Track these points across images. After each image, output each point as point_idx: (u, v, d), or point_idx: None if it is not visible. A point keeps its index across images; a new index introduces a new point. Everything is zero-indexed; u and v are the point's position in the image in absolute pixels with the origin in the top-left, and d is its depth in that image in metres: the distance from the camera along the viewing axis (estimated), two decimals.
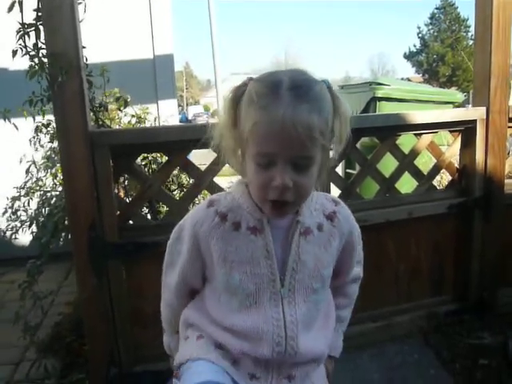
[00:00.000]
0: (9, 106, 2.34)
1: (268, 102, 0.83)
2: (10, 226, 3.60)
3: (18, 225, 3.45)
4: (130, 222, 2.06)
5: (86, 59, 1.97)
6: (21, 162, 3.14)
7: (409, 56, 41.67)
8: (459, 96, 5.05)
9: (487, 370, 2.13)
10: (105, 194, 1.87)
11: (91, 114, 2.23)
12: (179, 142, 1.92)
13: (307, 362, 0.99)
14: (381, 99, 4.49)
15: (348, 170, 4.60)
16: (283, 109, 0.81)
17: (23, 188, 3.12)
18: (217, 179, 2.00)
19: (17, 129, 2.61)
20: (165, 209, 2.56)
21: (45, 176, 3.29)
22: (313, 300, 0.99)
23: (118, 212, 1.97)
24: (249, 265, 0.94)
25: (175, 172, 2.71)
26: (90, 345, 2.01)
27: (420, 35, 40.95)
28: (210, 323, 0.99)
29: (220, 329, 0.98)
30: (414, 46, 41.56)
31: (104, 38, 3.52)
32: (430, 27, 40.58)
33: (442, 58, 37.97)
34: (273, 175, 0.84)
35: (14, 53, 1.87)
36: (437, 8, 40.41)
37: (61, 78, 1.69)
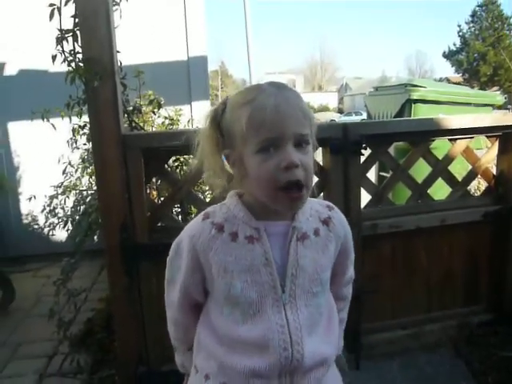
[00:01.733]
0: (49, 107, 2.42)
1: (255, 95, 0.90)
2: (48, 223, 3.72)
3: (56, 222, 3.57)
4: (161, 223, 2.09)
5: (121, 63, 2.01)
6: (59, 161, 3.23)
7: (448, 55, 40.70)
8: (499, 98, 4.91)
9: None
10: (136, 196, 1.91)
11: (125, 116, 2.28)
12: None
13: (315, 367, 0.99)
14: (416, 101, 4.41)
15: (382, 173, 4.53)
16: (272, 95, 0.89)
17: (60, 187, 3.21)
18: None
19: (55, 129, 2.69)
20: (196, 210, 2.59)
21: (82, 175, 3.38)
22: (314, 304, 0.99)
23: (149, 213, 2.00)
24: (249, 273, 0.94)
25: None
26: (119, 342, 2.05)
27: (460, 33, 39.96)
28: (219, 344, 0.99)
29: (227, 349, 0.98)
30: (454, 44, 40.64)
31: (139, 41, 3.59)
32: (472, 25, 39.54)
33: (483, 56, 36.93)
34: (280, 158, 0.87)
35: (54, 58, 1.93)
36: (479, 6, 39.36)
37: (96, 83, 1.74)
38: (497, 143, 2.41)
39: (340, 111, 45.68)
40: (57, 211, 3.56)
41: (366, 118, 7.99)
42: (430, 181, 2.35)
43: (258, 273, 0.94)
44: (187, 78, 3.92)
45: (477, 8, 39.46)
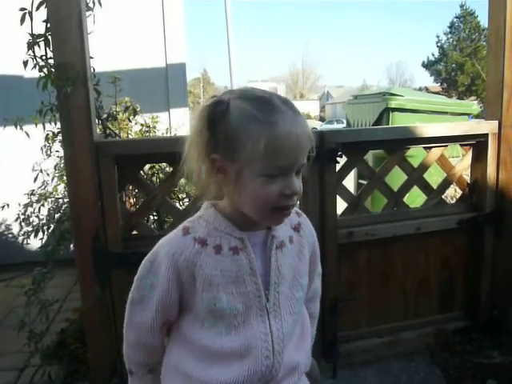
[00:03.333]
0: (24, 113, 2.37)
1: (276, 118, 0.86)
2: (23, 232, 3.64)
3: (30, 230, 3.49)
4: (135, 232, 2.06)
5: (94, 69, 1.99)
6: (33, 169, 3.17)
7: (427, 65, 41.37)
8: (475, 107, 4.99)
9: None
10: (109, 204, 1.88)
11: (99, 123, 2.25)
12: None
13: (288, 375, 0.98)
14: (394, 110, 4.46)
15: (360, 181, 4.57)
16: (293, 123, 0.87)
17: (34, 195, 3.14)
18: None
19: (28, 136, 2.64)
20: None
21: (57, 183, 3.33)
22: (297, 311, 1.00)
23: (123, 222, 1.97)
24: (234, 285, 0.93)
25: (184, 181, 2.71)
26: (91, 354, 2.01)
27: (439, 44, 40.69)
28: (196, 360, 0.96)
29: (205, 364, 0.95)
30: (433, 54, 41.29)
31: (117, 48, 3.56)
32: (450, 36, 40.28)
33: (461, 67, 37.64)
34: (284, 185, 0.87)
35: (25, 63, 1.90)
36: (456, 17, 40.13)
37: (68, 89, 1.71)
38: (470, 151, 2.44)
39: (322, 119, 46.03)
40: (31, 219, 3.49)
41: (346, 126, 8.05)
42: (405, 189, 2.37)
43: (243, 283, 0.93)
44: (165, 85, 3.91)
45: (455, 19, 40.28)
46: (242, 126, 0.86)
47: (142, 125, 2.72)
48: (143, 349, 1.02)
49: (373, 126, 4.68)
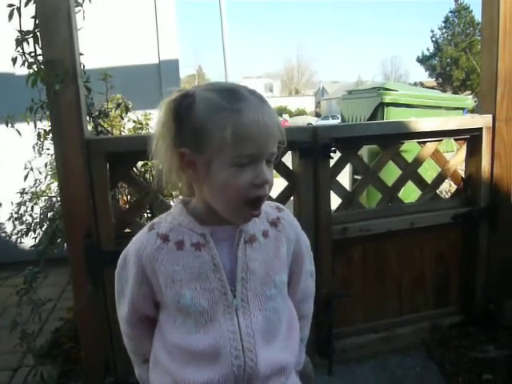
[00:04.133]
0: (15, 111, 2.34)
1: (241, 105, 0.85)
2: (16, 231, 3.61)
3: (24, 229, 3.47)
4: (128, 230, 2.04)
5: (84, 66, 1.97)
6: (25, 167, 3.14)
7: (422, 60, 41.37)
8: (469, 102, 4.99)
9: None
10: (101, 202, 1.86)
11: (90, 120, 2.23)
12: None
13: (273, 376, 0.96)
14: (388, 105, 4.45)
15: (356, 176, 4.56)
16: (259, 110, 0.86)
17: (26, 193, 3.12)
18: None
19: (20, 135, 2.61)
20: None
21: (51, 181, 3.30)
22: (271, 308, 0.96)
23: (115, 220, 1.96)
24: (198, 281, 0.92)
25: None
26: (85, 353, 2.00)
27: (434, 39, 40.68)
28: (171, 359, 0.96)
29: (179, 364, 0.95)
30: (428, 49, 41.29)
31: (109, 44, 3.53)
32: (444, 31, 40.28)
33: (456, 61, 37.66)
34: (254, 174, 0.86)
35: (14, 60, 1.87)
36: (451, 11, 40.13)
37: (57, 86, 1.69)
38: (465, 146, 2.43)
39: (317, 115, 46.06)
40: (25, 218, 3.47)
41: (341, 121, 8.05)
42: (399, 184, 2.36)
43: (207, 280, 0.92)
44: (158, 81, 3.87)
45: (449, 14, 40.27)
46: (208, 116, 0.85)
47: (134, 122, 2.69)
48: (132, 339, 1.07)
49: (367, 121, 4.67)
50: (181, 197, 1.01)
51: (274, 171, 1.00)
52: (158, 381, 1.00)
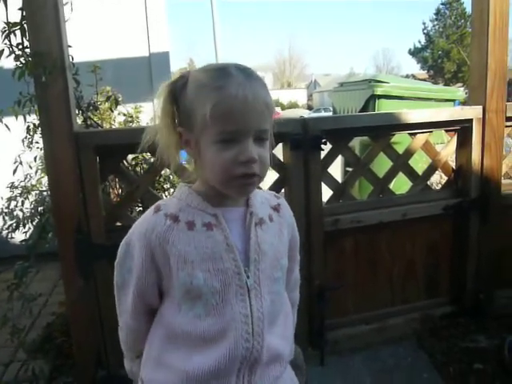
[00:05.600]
0: (4, 105, 2.31)
1: (223, 82, 0.85)
2: (7, 226, 3.59)
3: (14, 224, 3.44)
4: (119, 223, 2.03)
5: (73, 58, 1.95)
6: (15, 162, 3.11)
7: (414, 52, 41.39)
8: (460, 93, 5.01)
9: (482, 375, 2.09)
10: (91, 195, 1.85)
11: (80, 113, 2.21)
12: None
13: (272, 363, 0.97)
14: (380, 97, 4.46)
15: (348, 169, 4.56)
16: (241, 85, 0.85)
17: (16, 188, 3.09)
18: None
19: (8, 129, 2.59)
20: None
21: (41, 176, 3.28)
22: (276, 291, 0.98)
23: (106, 213, 1.95)
24: (211, 261, 0.90)
25: (168, 170, 2.68)
26: (76, 347, 1.99)
27: (425, 31, 40.69)
28: (175, 349, 0.94)
29: (185, 351, 0.93)
30: (419, 42, 41.29)
31: (99, 37, 3.50)
32: (436, 23, 40.30)
33: (448, 54, 37.72)
34: (239, 151, 0.85)
35: (1, 52, 1.85)
36: (442, 3, 40.11)
37: (44, 78, 1.67)
38: (455, 137, 2.44)
39: (309, 108, 45.95)
40: (15, 213, 3.44)
41: (333, 113, 8.05)
42: (391, 175, 2.37)
43: (221, 260, 0.90)
44: (149, 74, 3.85)
45: (440, 6, 40.26)
46: (194, 95, 0.88)
47: (124, 115, 2.67)
48: (130, 334, 1.04)
49: (359, 113, 4.68)
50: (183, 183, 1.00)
51: None
52: (150, 377, 0.98)
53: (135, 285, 0.95)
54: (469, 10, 37.00)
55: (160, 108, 0.92)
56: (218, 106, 0.84)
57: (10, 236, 3.53)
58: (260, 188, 1.19)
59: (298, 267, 1.14)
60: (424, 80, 25.73)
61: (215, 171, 0.87)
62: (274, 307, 0.97)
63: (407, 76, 36.45)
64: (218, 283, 0.90)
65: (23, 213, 3.36)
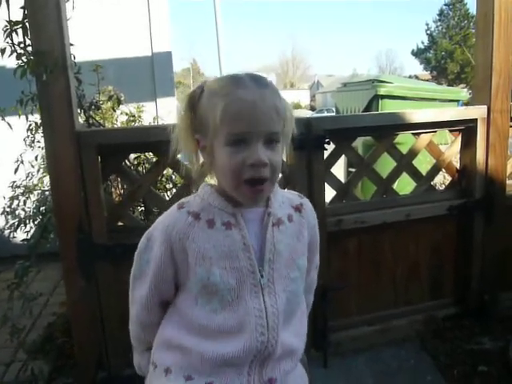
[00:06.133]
0: (6, 103, 2.31)
1: (233, 87, 0.90)
2: (9, 225, 3.58)
3: (16, 223, 3.43)
4: (121, 223, 2.02)
5: (75, 57, 1.94)
6: (17, 161, 3.11)
7: (417, 53, 41.31)
8: (464, 94, 4.98)
9: (486, 378, 2.07)
10: (93, 195, 1.84)
11: (82, 113, 2.20)
12: (169, 141, 1.88)
13: (284, 358, 0.99)
14: (383, 97, 4.43)
15: (350, 169, 4.54)
16: (249, 89, 0.89)
17: (18, 187, 3.08)
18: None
19: (11, 128, 2.58)
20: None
21: (43, 175, 3.27)
22: (292, 290, 0.99)
23: (107, 213, 1.93)
24: (227, 259, 0.93)
25: (170, 170, 2.67)
26: (77, 347, 1.98)
27: (428, 32, 40.62)
28: (191, 335, 0.97)
29: (200, 338, 0.96)
30: (422, 42, 41.19)
31: (102, 36, 3.49)
32: (439, 24, 40.22)
33: (451, 54, 37.64)
34: (248, 154, 0.88)
35: (2, 51, 1.84)
36: (445, 4, 40.04)
37: (45, 77, 1.66)
38: (459, 137, 2.42)
39: (312, 108, 45.92)
40: (17, 212, 3.43)
41: (336, 114, 8.02)
42: (394, 175, 2.35)
43: (237, 258, 0.94)
44: (151, 74, 3.85)
45: (444, 7, 40.19)
46: (207, 102, 0.93)
47: (126, 114, 2.66)
48: (141, 325, 1.07)
49: (362, 113, 4.66)
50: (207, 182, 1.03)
51: None
52: (162, 358, 1.01)
53: (152, 276, 0.99)
54: (472, 10, 36.96)
55: (180, 117, 0.97)
56: (226, 109, 0.87)
57: (11, 235, 3.53)
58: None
59: (316, 271, 1.17)
60: (427, 81, 25.68)
61: (226, 174, 0.91)
62: (290, 305, 0.99)
63: (410, 77, 36.38)
64: (234, 280, 0.93)
65: (25, 212, 3.36)
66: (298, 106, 48.70)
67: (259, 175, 0.88)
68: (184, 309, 0.99)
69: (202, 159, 0.99)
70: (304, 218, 1.04)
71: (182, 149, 0.99)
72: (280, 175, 2.09)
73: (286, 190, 1.10)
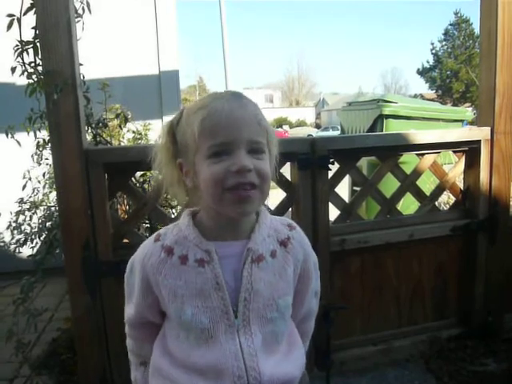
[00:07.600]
0: (15, 121, 2.35)
1: (210, 101, 0.89)
2: (15, 240, 3.60)
3: (22, 238, 3.46)
4: (126, 240, 2.04)
5: (84, 76, 1.97)
6: (24, 177, 3.15)
7: (422, 72, 41.58)
8: (468, 114, 5.00)
9: None
10: (99, 212, 1.86)
11: (89, 130, 2.23)
12: None
13: None
14: (388, 117, 4.47)
15: (355, 188, 4.55)
16: (227, 101, 0.88)
17: (25, 203, 3.12)
18: None
19: (19, 145, 2.62)
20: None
21: (49, 191, 3.30)
22: (269, 331, 0.95)
23: (113, 230, 1.95)
24: (199, 298, 0.91)
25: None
26: (81, 364, 1.98)
27: (433, 51, 40.92)
28: (174, 366, 0.96)
29: (183, 371, 0.94)
30: (428, 62, 41.52)
31: (110, 54, 3.55)
32: (444, 43, 40.54)
33: (456, 74, 37.88)
34: (231, 162, 0.85)
35: (13, 70, 1.88)
36: (451, 24, 40.41)
37: (55, 96, 1.69)
38: (463, 158, 2.44)
39: (317, 126, 46.16)
40: (23, 228, 3.46)
41: (341, 132, 8.06)
42: (398, 195, 2.36)
43: (209, 297, 0.91)
44: (159, 92, 3.90)
45: (449, 26, 40.55)
46: (185, 122, 0.91)
47: (133, 132, 2.70)
48: (133, 339, 1.08)
49: (367, 132, 4.68)
50: (189, 208, 1.00)
51: (273, 182, 1.00)
52: None
53: (136, 300, 1.00)
54: (477, 30, 37.22)
55: (161, 146, 0.96)
56: (204, 122, 0.86)
57: (17, 250, 3.55)
58: (269, 210, 1.17)
59: (315, 299, 1.11)
60: (432, 100, 25.80)
61: (208, 186, 0.86)
62: (269, 343, 0.95)
63: (415, 96, 36.61)
64: (207, 320, 0.91)
65: (31, 227, 3.38)
66: (303, 124, 48.97)
67: (244, 180, 0.84)
68: (169, 338, 0.98)
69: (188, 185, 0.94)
70: (290, 253, 0.98)
71: (166, 178, 0.96)
72: (284, 194, 2.12)
73: (278, 216, 1.05)
